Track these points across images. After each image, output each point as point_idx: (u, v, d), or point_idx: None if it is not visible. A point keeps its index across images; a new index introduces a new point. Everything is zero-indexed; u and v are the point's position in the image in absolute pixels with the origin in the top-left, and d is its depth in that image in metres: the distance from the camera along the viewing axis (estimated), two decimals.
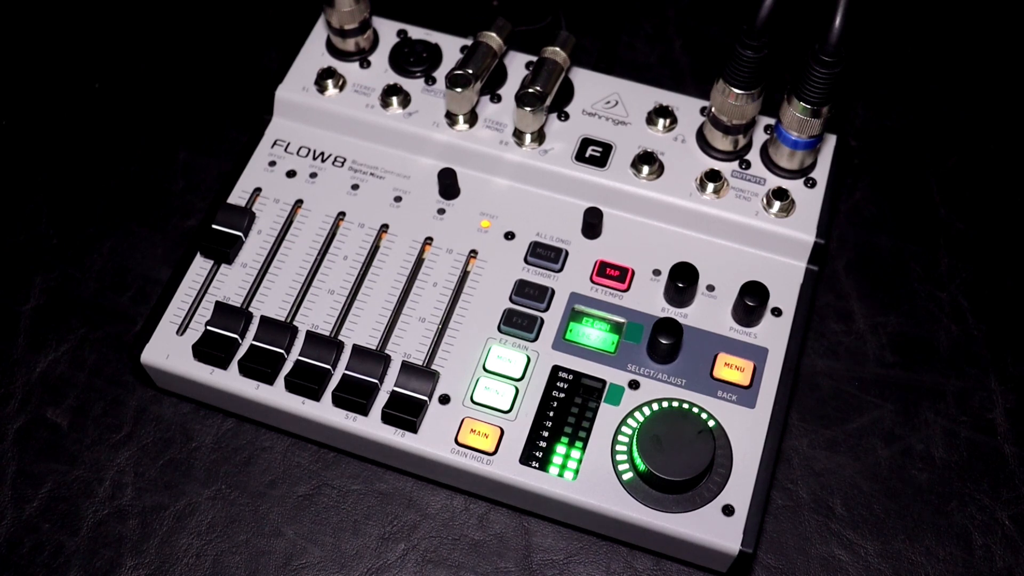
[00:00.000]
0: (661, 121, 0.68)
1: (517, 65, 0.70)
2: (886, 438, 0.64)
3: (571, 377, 0.60)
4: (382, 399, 0.59)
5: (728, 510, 0.56)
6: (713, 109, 0.64)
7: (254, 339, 0.61)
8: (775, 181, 0.66)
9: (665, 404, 0.59)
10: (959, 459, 0.64)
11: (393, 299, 0.63)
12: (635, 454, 0.56)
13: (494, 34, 0.67)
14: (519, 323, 0.62)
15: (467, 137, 0.67)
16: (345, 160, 0.69)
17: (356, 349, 0.60)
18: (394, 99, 0.68)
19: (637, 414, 0.59)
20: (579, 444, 0.58)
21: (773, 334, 0.62)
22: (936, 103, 0.79)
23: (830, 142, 0.67)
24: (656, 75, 0.79)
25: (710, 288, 0.63)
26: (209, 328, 0.61)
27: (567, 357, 0.61)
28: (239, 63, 0.81)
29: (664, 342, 0.59)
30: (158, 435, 0.64)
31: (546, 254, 0.64)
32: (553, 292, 0.63)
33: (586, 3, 0.82)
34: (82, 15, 0.83)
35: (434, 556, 0.60)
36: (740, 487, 0.57)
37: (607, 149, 0.67)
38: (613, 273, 0.64)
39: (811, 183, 0.66)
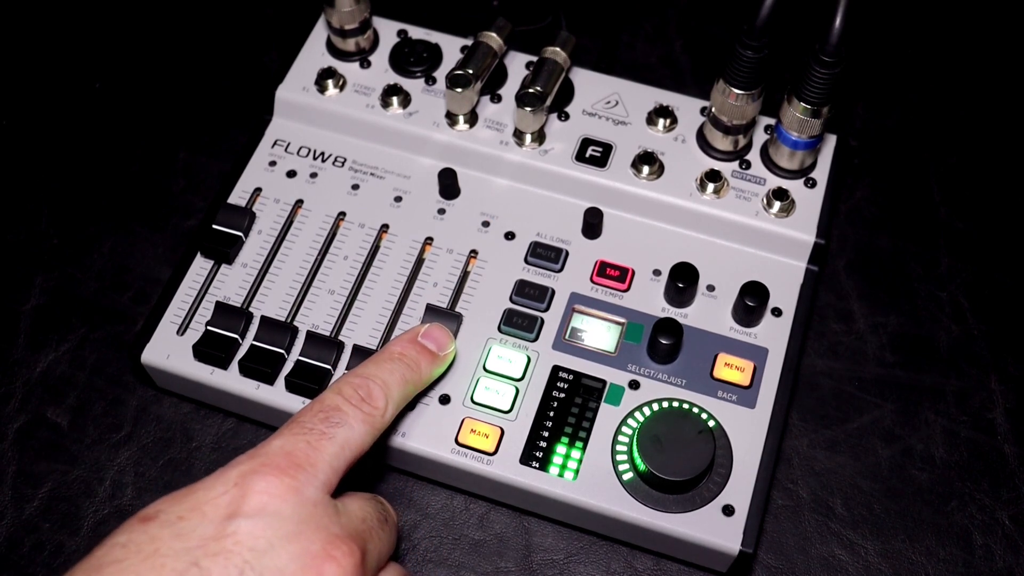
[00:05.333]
0: (661, 121, 0.68)
1: (517, 65, 0.70)
2: (886, 438, 0.64)
3: (571, 377, 0.60)
4: None
5: (728, 510, 0.56)
6: (713, 109, 0.64)
7: (254, 339, 0.61)
8: (775, 181, 0.66)
9: (665, 404, 0.59)
10: (959, 459, 0.64)
11: (393, 299, 0.63)
12: (635, 454, 0.56)
13: (494, 34, 0.67)
14: (519, 323, 0.62)
15: (467, 137, 0.67)
16: (345, 160, 0.69)
17: (356, 349, 0.60)
18: (394, 99, 0.68)
19: (637, 414, 0.59)
20: (579, 444, 0.58)
21: (773, 334, 0.62)
22: (936, 103, 0.79)
23: (830, 142, 0.67)
24: (656, 75, 0.79)
25: (710, 288, 0.63)
26: (209, 328, 0.61)
27: (567, 357, 0.61)
28: (239, 63, 0.81)
29: (664, 342, 0.59)
30: (158, 435, 0.64)
31: (546, 254, 0.64)
32: (553, 292, 0.63)
33: (586, 3, 0.82)
34: (82, 15, 0.83)
35: (434, 556, 0.60)
36: (740, 487, 0.57)
37: (607, 149, 0.67)
38: (613, 273, 0.64)
39: (811, 183, 0.66)
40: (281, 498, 0.44)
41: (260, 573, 0.41)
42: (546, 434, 0.59)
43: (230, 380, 0.61)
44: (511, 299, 0.63)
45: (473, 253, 0.65)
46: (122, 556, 0.41)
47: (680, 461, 0.55)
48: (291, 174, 0.68)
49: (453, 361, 0.60)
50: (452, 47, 0.71)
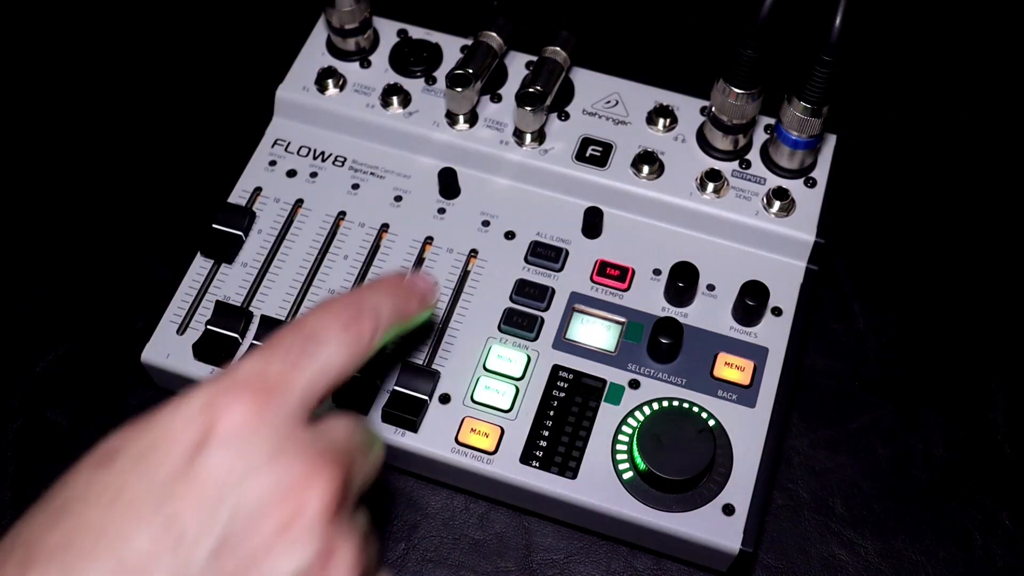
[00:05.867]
0: (661, 121, 0.68)
1: (517, 65, 0.70)
2: (886, 438, 0.64)
3: (571, 376, 0.60)
4: (382, 398, 0.59)
5: (728, 509, 0.56)
6: (713, 109, 0.64)
7: (254, 339, 0.61)
8: (775, 181, 0.66)
9: (665, 403, 0.59)
10: (960, 459, 0.64)
11: None
12: (635, 453, 0.56)
13: (494, 34, 0.67)
14: (519, 322, 0.62)
15: (467, 137, 0.67)
16: (345, 160, 0.69)
17: None
18: (394, 99, 0.68)
19: (637, 413, 0.59)
20: (579, 443, 0.58)
21: (773, 334, 0.62)
22: (936, 103, 0.80)
23: (830, 142, 0.67)
24: (656, 75, 0.79)
25: (710, 288, 0.63)
26: (209, 327, 0.61)
27: (567, 356, 0.61)
28: (239, 63, 0.81)
29: (664, 341, 0.59)
30: None
31: (546, 254, 0.64)
32: (553, 292, 0.63)
33: (586, 3, 0.82)
34: (82, 15, 0.83)
35: (434, 556, 0.60)
36: (740, 486, 0.57)
37: (607, 149, 0.67)
38: (613, 273, 0.64)
39: (811, 183, 0.66)
40: (254, 422, 0.39)
41: (236, 507, 0.37)
42: (546, 433, 0.59)
43: None
44: (511, 298, 0.63)
45: (473, 253, 0.65)
46: (83, 497, 0.37)
47: (680, 460, 0.55)
48: (291, 174, 0.68)
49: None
50: (452, 47, 0.71)
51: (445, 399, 0.59)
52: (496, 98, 0.69)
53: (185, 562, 0.36)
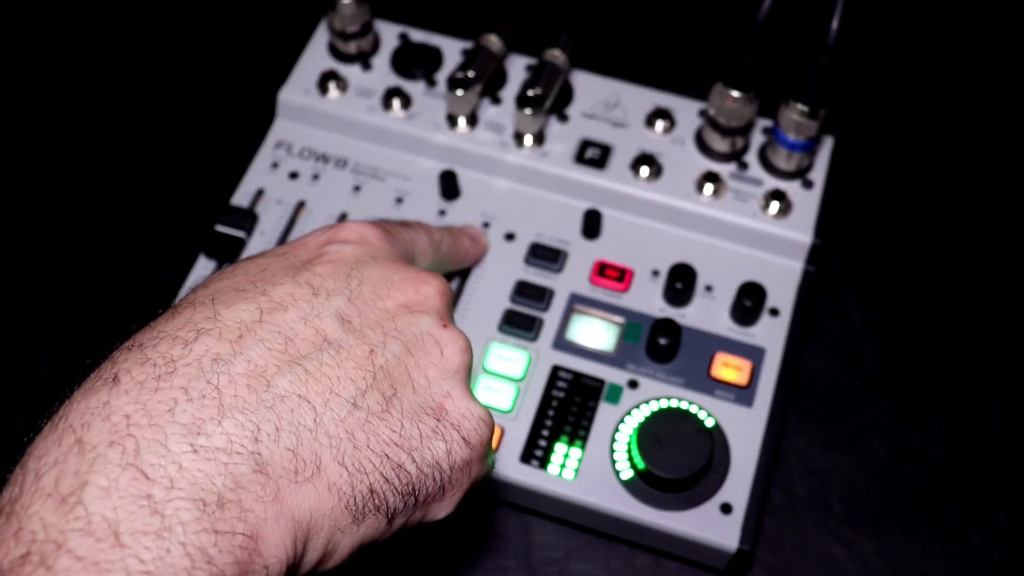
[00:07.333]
0: (660, 123, 0.68)
1: (517, 67, 0.71)
2: (884, 437, 0.65)
3: (571, 377, 0.61)
4: None
5: (726, 508, 0.57)
6: (712, 111, 0.65)
7: None
8: (773, 182, 0.66)
9: (664, 403, 0.59)
10: (956, 457, 0.64)
11: None
12: (634, 453, 0.57)
13: (495, 37, 0.68)
14: (519, 323, 0.62)
15: (468, 139, 0.68)
16: (347, 162, 0.69)
17: None
18: (395, 101, 0.69)
19: (636, 413, 0.59)
20: (579, 443, 0.59)
21: (771, 334, 0.62)
22: (936, 103, 0.80)
23: (827, 143, 0.68)
24: (655, 77, 0.80)
25: (708, 288, 0.64)
26: None
27: (567, 357, 0.61)
28: (242, 65, 0.81)
29: (663, 342, 0.60)
30: None
31: (546, 255, 0.65)
32: (553, 292, 0.63)
33: (587, 5, 0.82)
34: (84, 17, 0.84)
35: (435, 555, 0.60)
36: (738, 486, 0.57)
37: (606, 151, 0.67)
38: (612, 274, 0.64)
39: (808, 184, 0.66)
40: (373, 236, 0.47)
41: (363, 279, 0.44)
42: (546, 433, 0.59)
43: None
44: (511, 299, 0.63)
45: None
46: (231, 273, 0.43)
47: (678, 460, 0.56)
48: (293, 176, 0.68)
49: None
50: (453, 50, 0.72)
51: None
52: (496, 101, 0.69)
53: (318, 311, 0.41)
